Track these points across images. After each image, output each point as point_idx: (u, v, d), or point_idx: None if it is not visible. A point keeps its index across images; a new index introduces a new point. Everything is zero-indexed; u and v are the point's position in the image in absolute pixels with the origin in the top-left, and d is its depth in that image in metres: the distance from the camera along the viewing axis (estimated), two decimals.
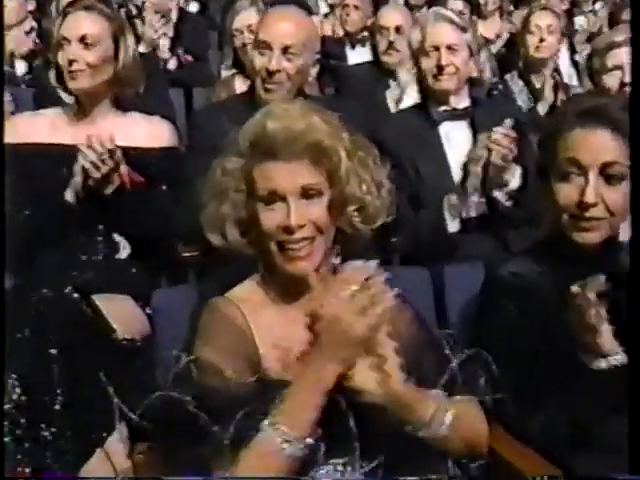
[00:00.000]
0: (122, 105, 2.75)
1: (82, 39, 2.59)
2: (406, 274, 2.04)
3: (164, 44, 4.87)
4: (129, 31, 2.71)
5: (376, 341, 1.52)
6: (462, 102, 2.94)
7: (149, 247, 2.63)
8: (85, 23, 2.61)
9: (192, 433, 1.47)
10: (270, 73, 2.58)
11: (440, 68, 2.87)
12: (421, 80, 2.97)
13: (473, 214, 2.78)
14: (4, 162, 2.40)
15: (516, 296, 1.75)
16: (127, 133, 2.66)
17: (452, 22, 2.90)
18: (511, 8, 6.12)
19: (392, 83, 4.05)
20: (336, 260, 1.69)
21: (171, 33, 5.05)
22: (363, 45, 4.93)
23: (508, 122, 2.68)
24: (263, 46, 2.60)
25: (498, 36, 5.46)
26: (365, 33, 4.92)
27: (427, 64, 2.91)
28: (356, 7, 4.93)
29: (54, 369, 2.25)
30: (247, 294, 1.69)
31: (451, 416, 1.57)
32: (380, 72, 4.17)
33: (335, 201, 1.63)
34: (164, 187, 2.65)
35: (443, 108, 2.93)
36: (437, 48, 2.88)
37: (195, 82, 4.49)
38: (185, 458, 1.48)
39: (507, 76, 4.19)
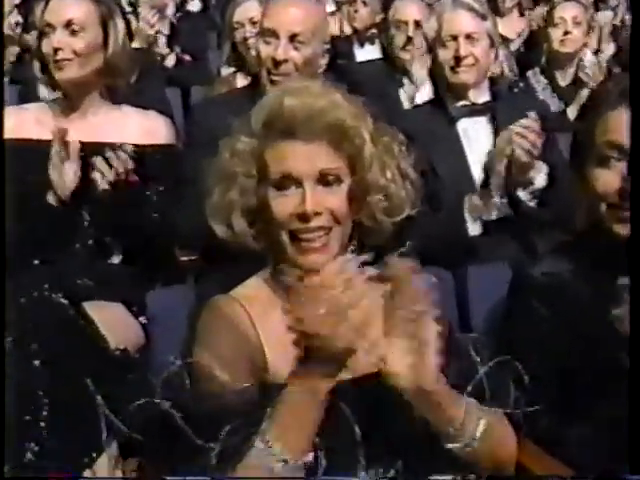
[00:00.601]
0: (113, 98, 2.71)
1: (67, 25, 2.54)
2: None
3: (161, 41, 4.84)
4: (118, 15, 2.66)
5: (419, 323, 1.46)
6: (482, 96, 2.90)
7: (144, 251, 2.58)
8: (70, 7, 2.56)
9: (178, 446, 1.41)
10: (276, 63, 2.54)
11: (458, 59, 2.83)
12: (437, 74, 2.92)
13: (495, 216, 2.73)
14: (4, 160, 2.35)
15: (548, 298, 1.70)
16: (120, 128, 2.63)
17: (471, 9, 2.85)
18: (530, 5, 6.09)
19: (406, 80, 4.01)
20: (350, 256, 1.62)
21: (167, 31, 5.03)
22: (372, 43, 4.90)
23: (533, 115, 2.63)
24: (269, 34, 2.56)
25: (519, 35, 5.43)
26: (374, 30, 4.89)
27: (444, 55, 2.86)
28: (364, 3, 4.91)
29: (39, 381, 2.19)
30: (253, 292, 1.63)
31: (483, 427, 1.51)
32: (393, 69, 4.14)
33: (356, 189, 1.58)
34: (160, 187, 2.61)
35: (461, 103, 2.88)
36: (455, 38, 2.84)
37: (193, 81, 4.46)
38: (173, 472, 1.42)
39: (529, 73, 4.15)
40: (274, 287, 1.63)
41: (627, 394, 1.46)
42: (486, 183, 2.73)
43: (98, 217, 2.55)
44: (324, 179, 1.56)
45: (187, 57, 4.94)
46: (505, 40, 5.11)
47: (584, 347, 1.64)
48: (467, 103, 2.88)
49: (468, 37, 2.84)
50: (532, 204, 2.71)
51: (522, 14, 5.87)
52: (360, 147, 1.57)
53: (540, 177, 2.69)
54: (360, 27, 4.96)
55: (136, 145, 2.59)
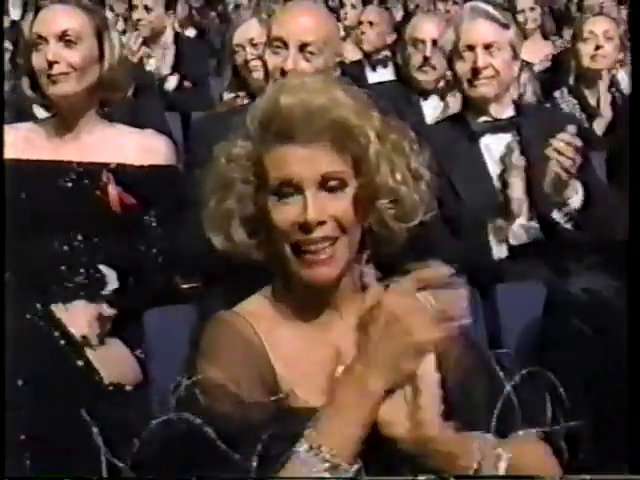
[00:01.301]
0: (109, 116, 2.72)
1: (62, 36, 2.53)
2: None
3: (159, 66, 4.88)
4: (113, 27, 2.69)
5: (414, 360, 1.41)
6: (505, 111, 2.89)
7: (141, 279, 2.57)
8: (63, 18, 2.56)
9: (212, 463, 1.37)
10: (285, 74, 2.53)
11: (476, 71, 2.82)
12: (456, 88, 2.93)
13: (524, 240, 2.70)
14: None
15: (589, 316, 1.67)
16: (116, 147, 2.62)
17: (490, 17, 2.85)
18: (554, 28, 6.15)
19: (424, 102, 4.02)
20: (366, 268, 1.60)
21: (162, 55, 5.07)
22: (385, 66, 4.93)
23: (571, 128, 2.57)
24: (277, 44, 2.53)
25: (543, 59, 5.45)
26: (387, 53, 4.92)
27: (461, 67, 2.86)
28: (371, 23, 4.94)
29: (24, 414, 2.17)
30: (257, 309, 1.60)
31: (506, 463, 1.44)
32: (409, 91, 4.14)
33: (363, 193, 1.54)
34: (160, 211, 2.61)
35: (483, 119, 2.88)
36: (473, 48, 2.84)
37: (194, 107, 4.48)
38: None
39: (556, 93, 4.14)
40: (278, 304, 1.60)
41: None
42: (511, 203, 2.71)
43: (91, 244, 2.55)
44: (327, 184, 1.52)
45: (187, 83, 4.96)
46: (528, 64, 5.16)
47: (626, 365, 1.60)
48: (489, 119, 2.88)
49: (487, 47, 2.83)
50: (568, 226, 2.67)
51: (545, 37, 5.92)
52: (365, 147, 1.53)
53: (576, 197, 2.64)
54: (370, 49, 4.99)
55: (134, 166, 2.60)
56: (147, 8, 5.13)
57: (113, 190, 2.54)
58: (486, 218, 2.74)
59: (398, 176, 1.56)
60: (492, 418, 1.50)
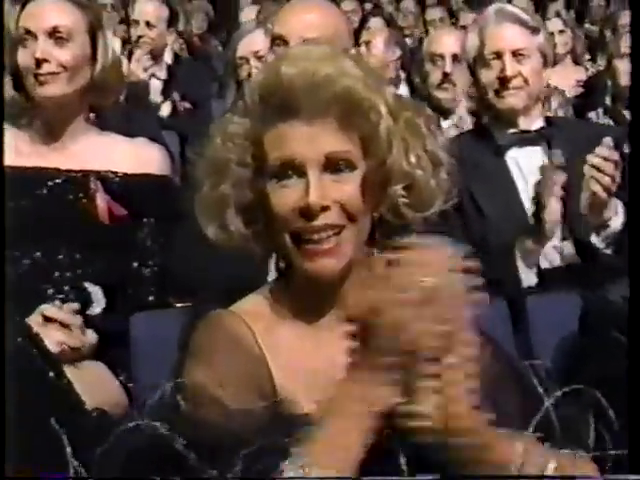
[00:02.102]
0: (98, 124, 2.70)
1: (52, 33, 2.51)
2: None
3: (156, 87, 4.89)
4: (108, 26, 2.67)
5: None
6: (534, 123, 2.87)
7: (131, 299, 2.53)
8: (54, 13, 2.53)
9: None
10: None
11: (504, 80, 2.80)
12: (480, 98, 2.89)
13: (557, 263, 2.65)
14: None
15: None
16: (106, 155, 2.60)
17: (518, 21, 2.84)
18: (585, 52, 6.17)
19: (444, 122, 4.00)
20: None
21: (164, 76, 5.09)
22: (396, 87, 4.92)
23: (608, 141, 2.50)
24: (279, 42, 2.55)
25: (575, 84, 5.44)
26: (400, 72, 4.91)
27: (487, 76, 2.84)
28: (370, 43, 4.94)
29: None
30: (255, 308, 1.58)
31: (554, 465, 1.39)
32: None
33: (372, 177, 1.51)
34: (153, 223, 2.58)
35: (511, 131, 2.85)
36: (500, 55, 2.82)
37: (193, 129, 4.47)
38: None
39: (591, 114, 4.15)
40: (278, 303, 1.57)
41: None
42: (542, 223, 2.64)
43: (76, 258, 2.51)
44: (332, 165, 1.49)
45: (186, 104, 4.97)
46: (557, 90, 5.16)
47: None
48: (517, 131, 2.85)
49: (515, 54, 2.82)
50: (608, 251, 2.60)
51: (577, 62, 5.93)
52: (376, 124, 1.49)
53: (617, 218, 2.57)
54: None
55: (125, 174, 2.57)
56: (149, 24, 5.16)
57: (101, 199, 2.52)
58: (514, 239, 2.69)
59: (412, 158, 1.52)
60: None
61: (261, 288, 1.60)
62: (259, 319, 1.54)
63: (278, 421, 1.40)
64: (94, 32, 2.57)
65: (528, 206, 2.76)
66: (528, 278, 2.65)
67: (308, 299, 1.55)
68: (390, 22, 6.23)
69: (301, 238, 1.49)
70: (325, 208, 1.48)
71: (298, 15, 2.57)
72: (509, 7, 2.94)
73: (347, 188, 1.49)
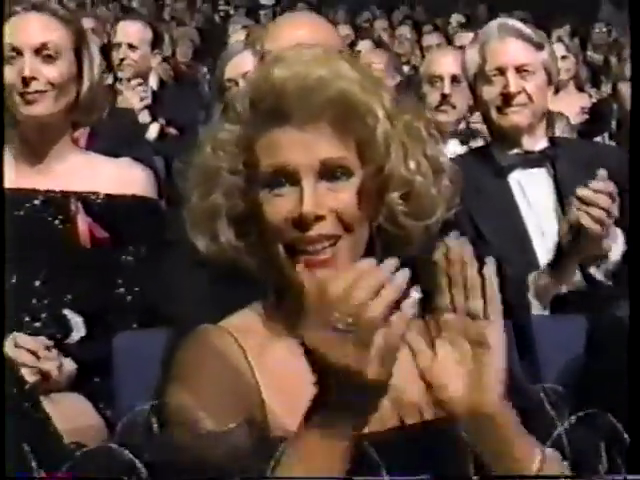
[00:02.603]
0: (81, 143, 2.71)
1: (40, 49, 2.50)
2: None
3: (145, 111, 4.95)
4: (94, 43, 2.68)
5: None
6: (538, 143, 2.86)
7: (113, 327, 2.48)
8: (41, 29, 2.53)
9: None
10: None
11: (507, 97, 2.80)
12: (482, 116, 2.89)
13: (563, 291, 2.63)
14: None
15: None
16: (88, 176, 2.59)
17: (522, 36, 2.84)
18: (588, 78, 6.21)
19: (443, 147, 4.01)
20: None
21: (149, 100, 5.10)
22: None
23: (602, 174, 2.47)
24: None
25: (581, 112, 5.46)
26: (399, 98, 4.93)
27: (489, 93, 2.84)
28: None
29: None
30: (247, 324, 1.56)
31: None
32: None
33: (369, 184, 1.49)
34: (138, 246, 2.57)
35: (514, 151, 2.84)
36: (503, 71, 2.82)
37: (179, 155, 4.47)
38: None
39: (597, 139, 4.14)
40: (272, 318, 1.56)
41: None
42: (562, 255, 2.58)
43: (55, 284, 2.50)
44: (327, 172, 1.48)
45: (172, 130, 4.98)
46: (561, 115, 5.18)
47: None
48: (520, 151, 2.84)
49: (519, 70, 2.82)
50: (610, 283, 2.59)
51: (580, 89, 5.96)
52: (373, 128, 1.48)
53: (616, 249, 2.56)
54: None
55: (107, 195, 2.57)
56: (132, 47, 5.17)
57: (82, 221, 2.51)
58: (525, 272, 2.65)
59: (412, 164, 1.51)
60: None
61: (254, 303, 1.58)
62: (251, 335, 1.52)
63: (263, 445, 1.37)
64: (79, 48, 2.58)
65: (534, 232, 2.74)
66: (538, 310, 2.62)
67: (303, 314, 1.53)
68: (379, 44, 6.25)
69: (295, 249, 1.48)
70: (320, 218, 1.46)
71: (289, 31, 2.56)
72: (512, 21, 2.93)
73: (343, 196, 1.48)
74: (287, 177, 1.48)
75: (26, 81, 2.48)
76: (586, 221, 2.46)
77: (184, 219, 1.59)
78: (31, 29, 2.53)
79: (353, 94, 1.47)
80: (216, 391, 1.43)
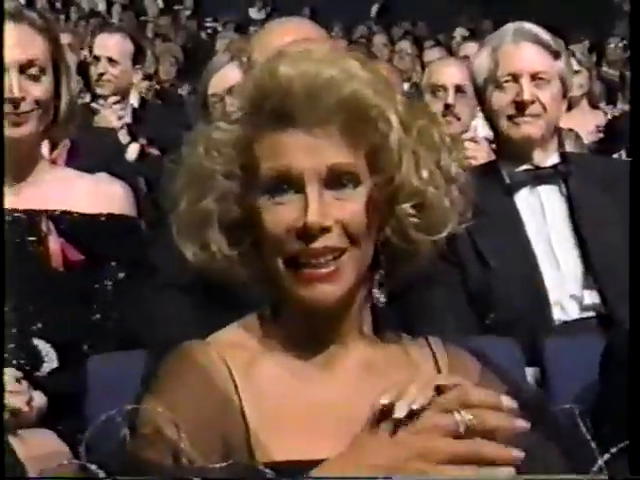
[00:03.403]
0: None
1: (26, 67, 2.46)
2: (490, 346, 1.91)
3: (124, 130, 4.97)
4: (67, 54, 2.67)
5: None
6: (549, 158, 2.83)
7: (89, 356, 2.43)
8: (23, 43, 2.48)
9: None
10: None
11: (520, 105, 2.77)
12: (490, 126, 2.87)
13: (576, 315, 2.63)
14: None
15: None
16: (63, 192, 2.58)
17: (540, 42, 2.81)
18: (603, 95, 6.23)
19: None
20: (379, 295, 1.54)
21: (129, 119, 5.11)
22: None
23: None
24: None
25: (596, 130, 5.46)
26: None
27: (500, 100, 2.81)
28: None
29: None
30: (237, 339, 1.56)
31: None
32: None
33: (379, 194, 1.49)
34: (113, 267, 2.56)
35: (523, 167, 2.82)
36: (516, 78, 2.79)
37: (160, 176, 4.48)
38: None
39: (614, 157, 4.13)
40: (268, 332, 1.55)
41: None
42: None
43: (25, 311, 2.48)
44: (334, 180, 1.48)
45: (154, 150, 4.98)
46: (571, 132, 5.19)
47: None
48: (529, 167, 2.81)
49: (534, 78, 2.79)
50: None
51: (594, 106, 5.97)
52: (385, 134, 1.48)
53: None
54: None
55: (82, 214, 2.55)
56: (112, 61, 5.16)
57: (54, 242, 2.49)
58: (524, 294, 2.65)
59: (424, 174, 1.51)
60: None
61: (247, 316, 1.58)
62: (240, 352, 1.52)
63: (240, 471, 1.35)
64: (57, 62, 2.55)
65: (542, 256, 2.72)
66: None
67: (302, 331, 1.53)
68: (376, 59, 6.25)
69: (297, 262, 1.47)
70: (326, 229, 1.46)
71: (279, 38, 2.55)
72: (529, 25, 2.88)
73: (350, 206, 1.48)
74: (290, 183, 1.48)
75: (15, 102, 2.45)
76: None
77: (166, 241, 1.57)
78: (14, 43, 2.47)
79: (365, 97, 1.48)
80: (194, 412, 1.42)
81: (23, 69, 2.47)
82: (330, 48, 1.56)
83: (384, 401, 1.31)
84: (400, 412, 1.30)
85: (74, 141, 3.68)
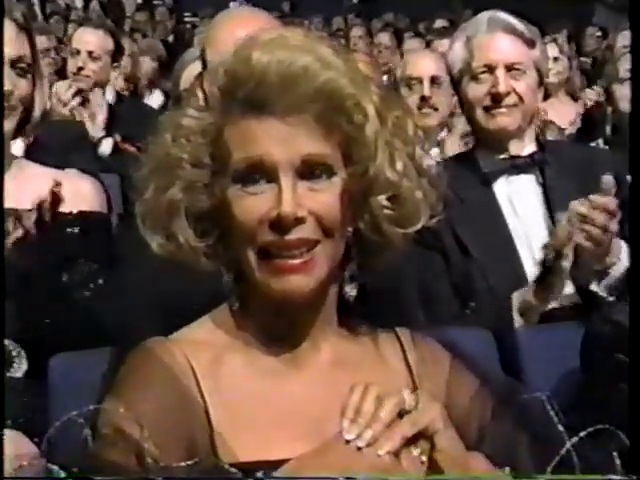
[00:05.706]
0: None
1: (16, 62, 2.45)
2: (463, 336, 1.89)
3: (98, 125, 4.90)
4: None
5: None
6: (526, 147, 2.83)
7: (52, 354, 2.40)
8: (12, 39, 2.46)
9: None
10: None
11: (496, 97, 2.76)
12: (466, 118, 2.85)
13: (556, 305, 2.59)
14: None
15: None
16: (30, 189, 2.52)
17: (514, 32, 2.79)
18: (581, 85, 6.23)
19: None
20: (349, 289, 1.53)
21: (104, 114, 5.05)
22: None
23: (608, 181, 2.42)
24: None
25: (575, 120, 5.46)
26: None
27: (475, 92, 2.80)
28: None
29: None
30: (203, 336, 1.53)
31: None
32: None
33: (353, 185, 1.47)
34: (86, 269, 2.52)
35: (500, 156, 2.80)
36: (492, 69, 2.78)
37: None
38: None
39: (592, 145, 4.12)
40: (235, 327, 1.53)
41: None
42: (549, 272, 2.52)
43: None
44: (309, 170, 1.46)
45: (130, 147, 4.94)
46: (552, 124, 5.18)
47: None
48: (506, 157, 2.81)
49: (510, 68, 2.78)
50: (611, 299, 2.56)
51: (573, 96, 5.96)
52: (360, 125, 1.47)
53: (619, 265, 2.53)
54: None
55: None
56: (92, 55, 5.12)
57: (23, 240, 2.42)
58: (503, 283, 2.62)
59: (399, 166, 1.49)
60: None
61: (214, 311, 1.55)
62: (205, 350, 1.50)
63: (204, 470, 1.35)
64: (35, 59, 2.53)
65: (521, 246, 2.71)
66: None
67: (271, 325, 1.51)
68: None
69: (269, 252, 1.45)
70: (300, 220, 1.44)
71: (229, 33, 2.49)
72: (503, 15, 2.86)
73: (324, 197, 1.47)
74: (263, 173, 1.45)
75: (8, 96, 2.43)
76: (580, 239, 2.43)
77: (136, 235, 1.55)
78: (6, 38, 2.46)
79: (341, 86, 1.46)
80: (156, 408, 1.41)
81: (13, 64, 2.46)
82: (304, 35, 1.51)
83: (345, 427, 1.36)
84: (349, 435, 1.34)
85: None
